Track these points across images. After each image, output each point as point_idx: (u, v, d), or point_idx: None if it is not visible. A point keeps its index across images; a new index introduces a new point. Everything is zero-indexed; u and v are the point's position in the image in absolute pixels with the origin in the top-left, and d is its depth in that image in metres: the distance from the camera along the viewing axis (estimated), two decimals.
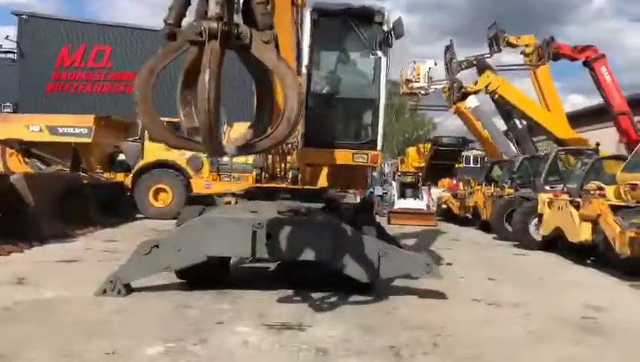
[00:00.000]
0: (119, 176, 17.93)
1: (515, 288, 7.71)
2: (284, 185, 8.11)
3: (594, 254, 10.20)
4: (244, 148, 4.60)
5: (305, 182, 8.03)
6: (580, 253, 10.49)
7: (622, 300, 7.08)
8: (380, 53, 7.27)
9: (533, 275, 8.86)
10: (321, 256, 6.30)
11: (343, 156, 7.34)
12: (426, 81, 22.13)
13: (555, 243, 11.64)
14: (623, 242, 8.03)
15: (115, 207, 15.39)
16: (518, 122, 19.78)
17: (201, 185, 18.50)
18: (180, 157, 18.05)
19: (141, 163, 17.75)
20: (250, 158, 8.37)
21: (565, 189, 12.17)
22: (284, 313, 5.85)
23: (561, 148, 14.77)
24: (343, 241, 6.37)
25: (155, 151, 17.96)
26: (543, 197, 11.66)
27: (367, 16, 7.27)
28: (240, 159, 8.36)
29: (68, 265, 8.61)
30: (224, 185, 19.55)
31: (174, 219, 16.41)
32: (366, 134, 7.54)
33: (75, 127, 17.26)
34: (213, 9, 4.38)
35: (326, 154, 7.37)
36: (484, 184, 17.46)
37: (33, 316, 5.55)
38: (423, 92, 22.81)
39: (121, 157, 19.04)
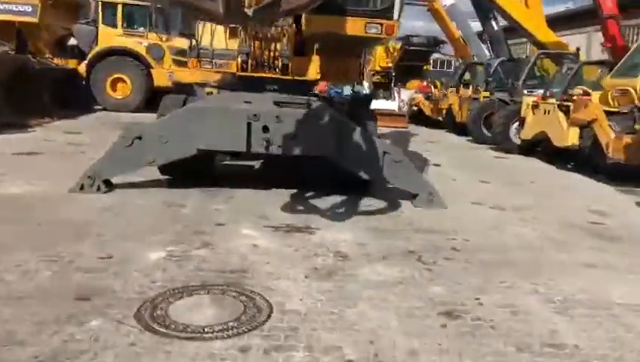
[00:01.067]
0: (71, 63, 16.42)
1: (510, 191, 7.55)
2: (271, 75, 7.37)
3: (574, 159, 10.19)
4: (265, 9, 3.80)
5: (293, 73, 7.31)
6: (560, 158, 10.44)
7: (620, 205, 7.02)
8: None
9: (522, 178, 8.72)
10: (324, 150, 5.82)
11: (354, 25, 6.40)
12: None
13: (535, 147, 11.57)
14: (618, 147, 7.90)
15: (70, 96, 14.17)
16: (494, 23, 19.10)
17: (163, 75, 17.29)
18: (138, 44, 16.69)
19: (96, 49, 16.25)
20: (235, 43, 7.50)
21: (549, 93, 11.91)
22: (286, 214, 5.43)
23: (542, 51, 14.34)
24: (347, 136, 5.87)
25: (110, 37, 16.49)
26: (528, 100, 11.39)
27: None
28: (222, 44, 7.48)
29: (29, 157, 7.80)
30: (204, 74, 18.52)
31: (135, 111, 15.82)
32: (381, 0, 6.52)
33: (18, 3, 15.37)
34: None
35: (335, 23, 6.43)
36: (458, 87, 17.03)
37: (5, 214, 4.90)
38: None
39: (72, 41, 17.36)
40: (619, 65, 10.21)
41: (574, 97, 10.92)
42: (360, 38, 6.53)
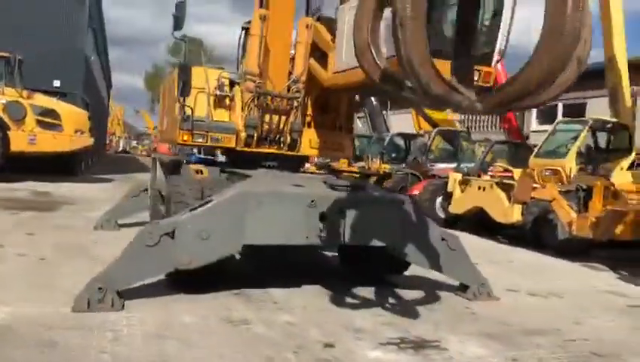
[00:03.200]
0: None
1: (503, 272, 7.42)
2: (273, 150, 6.45)
3: (506, 234, 10.71)
4: (493, 99, 3.04)
5: (304, 147, 6.57)
6: (490, 232, 10.86)
7: (620, 283, 7.30)
8: None
9: (492, 257, 8.75)
10: (388, 239, 5.17)
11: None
12: None
13: (458, 221, 11.92)
14: (583, 225, 8.37)
15: None
16: (373, 98, 20.06)
17: (22, 139, 14.74)
18: None
19: None
20: (224, 115, 6.43)
21: (466, 169, 12.56)
22: (383, 319, 4.53)
23: (440, 128, 15.27)
24: (409, 223, 5.25)
25: None
26: (455, 176, 11.79)
27: None
28: (222, 115, 6.35)
29: None
30: (72, 142, 15.89)
31: None
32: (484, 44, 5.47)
33: None
34: None
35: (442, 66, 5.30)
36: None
37: None
38: None
39: None
40: (540, 146, 11.18)
41: (498, 174, 11.70)
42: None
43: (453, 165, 14.06)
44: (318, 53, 6.19)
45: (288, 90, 6.23)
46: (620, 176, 10.05)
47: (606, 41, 10.72)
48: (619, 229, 8.26)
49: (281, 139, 6.41)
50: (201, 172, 6.19)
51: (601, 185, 8.80)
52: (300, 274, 5.88)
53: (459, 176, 11.78)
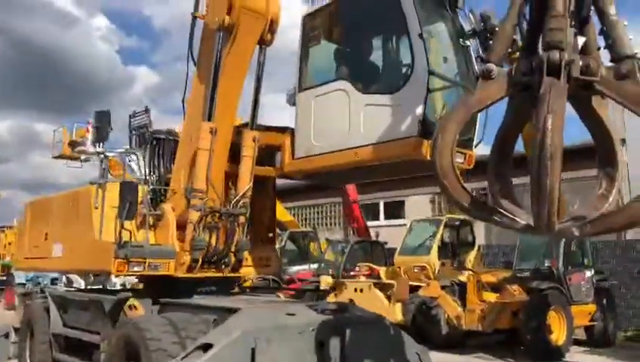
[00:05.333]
0: None
1: None
2: (212, 273, 5.78)
3: None
4: (596, 226, 3.14)
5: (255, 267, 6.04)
6: None
7: None
8: None
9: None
10: (379, 357, 5.10)
11: None
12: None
13: None
14: (472, 318, 9.05)
15: None
16: None
17: None
18: None
19: None
20: (165, 237, 5.56)
21: (331, 271, 12.72)
22: None
23: (292, 230, 15.37)
24: (392, 339, 5.35)
25: None
26: (327, 279, 11.84)
27: None
28: (146, 237, 5.41)
29: None
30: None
31: None
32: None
33: None
34: (554, 35, 3.11)
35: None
36: None
37: None
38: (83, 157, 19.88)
39: None
40: (402, 245, 12.00)
41: (363, 274, 12.14)
42: None
43: (306, 266, 14.23)
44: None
45: (234, 206, 5.72)
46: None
47: None
48: (502, 320, 9.13)
49: (225, 260, 5.75)
50: (135, 307, 5.19)
51: (474, 280, 9.72)
52: None
53: (330, 279, 11.87)
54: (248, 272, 6.31)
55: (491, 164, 3.38)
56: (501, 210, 3.21)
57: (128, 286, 11.77)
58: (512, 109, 3.36)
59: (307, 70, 6.02)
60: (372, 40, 5.91)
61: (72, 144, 17.30)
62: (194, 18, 5.95)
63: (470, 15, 5.37)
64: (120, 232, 5.02)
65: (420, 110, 4.87)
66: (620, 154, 3.54)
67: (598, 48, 3.35)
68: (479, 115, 5.20)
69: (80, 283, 14.55)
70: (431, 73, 4.89)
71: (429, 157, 4.50)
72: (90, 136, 18.87)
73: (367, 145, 5.20)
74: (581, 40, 3.28)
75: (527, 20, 3.46)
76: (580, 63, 3.14)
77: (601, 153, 3.36)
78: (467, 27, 5.46)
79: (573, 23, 3.25)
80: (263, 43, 5.95)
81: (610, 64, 3.25)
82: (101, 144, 5.58)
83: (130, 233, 5.23)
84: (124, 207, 4.90)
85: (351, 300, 8.71)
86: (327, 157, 5.54)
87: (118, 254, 5.04)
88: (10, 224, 21.96)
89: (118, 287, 12.76)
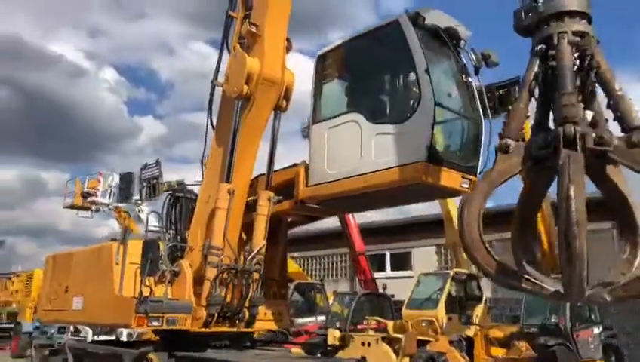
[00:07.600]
0: None
1: None
2: (226, 328, 5.94)
3: None
4: (627, 289, 3.37)
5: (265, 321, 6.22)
6: None
7: None
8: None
9: None
10: None
11: (450, 177, 5.62)
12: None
13: None
14: None
15: None
16: None
17: None
18: None
19: None
20: (181, 291, 5.75)
21: (338, 324, 12.73)
22: None
23: (298, 281, 15.44)
24: None
25: None
26: (334, 333, 11.86)
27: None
28: (180, 295, 5.61)
29: None
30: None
31: None
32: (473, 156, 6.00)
33: None
34: (567, 111, 3.43)
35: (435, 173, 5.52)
36: None
37: None
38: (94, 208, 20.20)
39: None
40: (409, 299, 12.07)
41: (372, 326, 12.16)
42: (452, 190, 5.84)
43: (313, 318, 14.23)
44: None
45: (249, 263, 5.94)
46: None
47: (443, 203, 12.60)
48: None
49: (239, 315, 5.93)
50: (152, 361, 5.35)
51: (482, 335, 9.77)
52: None
53: (337, 332, 11.88)
54: (261, 327, 6.46)
55: (515, 235, 3.65)
56: (530, 278, 3.46)
57: (135, 336, 11.84)
58: (529, 182, 3.64)
59: (320, 104, 6.51)
60: (381, 75, 6.36)
61: (84, 195, 17.75)
62: (213, 86, 6.35)
63: (472, 54, 5.80)
64: (141, 288, 5.24)
65: (427, 137, 5.29)
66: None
67: (606, 120, 3.68)
68: (483, 140, 5.65)
69: (87, 331, 14.59)
70: (437, 104, 5.34)
71: (431, 181, 5.28)
72: (100, 187, 19.34)
73: (378, 171, 5.60)
74: (589, 114, 3.62)
75: (537, 98, 3.80)
76: (594, 135, 3.46)
77: (620, 219, 3.63)
78: (469, 65, 5.88)
79: (580, 98, 3.59)
80: (278, 109, 6.36)
81: (620, 134, 3.58)
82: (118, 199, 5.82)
83: (150, 288, 5.46)
84: (146, 264, 5.14)
85: (363, 357, 8.75)
86: (340, 183, 5.89)
87: (139, 309, 5.25)
88: (17, 271, 22.10)
89: (125, 337, 12.82)
